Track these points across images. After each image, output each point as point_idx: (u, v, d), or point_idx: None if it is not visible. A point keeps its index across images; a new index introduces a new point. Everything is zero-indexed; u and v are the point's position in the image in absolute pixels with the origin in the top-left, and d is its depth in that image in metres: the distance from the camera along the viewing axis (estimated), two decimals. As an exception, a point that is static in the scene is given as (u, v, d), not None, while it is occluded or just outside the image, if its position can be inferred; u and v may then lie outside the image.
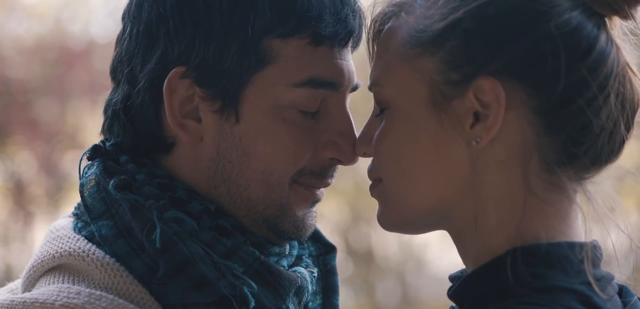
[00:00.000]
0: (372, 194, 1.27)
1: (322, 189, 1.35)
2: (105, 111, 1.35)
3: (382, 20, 1.26)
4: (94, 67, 6.00)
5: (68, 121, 6.13)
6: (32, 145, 6.12)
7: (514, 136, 1.16)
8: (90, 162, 1.35)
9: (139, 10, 1.31)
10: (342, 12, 1.29)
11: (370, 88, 1.28)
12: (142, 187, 1.28)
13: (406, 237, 6.23)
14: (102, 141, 1.35)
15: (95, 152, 1.34)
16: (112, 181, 1.28)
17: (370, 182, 1.30)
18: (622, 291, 1.21)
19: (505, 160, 1.16)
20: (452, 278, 1.24)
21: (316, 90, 1.29)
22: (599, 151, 1.16)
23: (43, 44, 6.04)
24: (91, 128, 6.05)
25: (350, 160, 1.33)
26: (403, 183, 1.21)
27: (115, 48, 1.36)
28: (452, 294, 1.21)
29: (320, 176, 1.33)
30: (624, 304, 1.19)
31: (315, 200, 1.35)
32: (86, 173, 1.34)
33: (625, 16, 1.18)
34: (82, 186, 1.33)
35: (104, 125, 1.35)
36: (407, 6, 1.23)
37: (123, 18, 1.35)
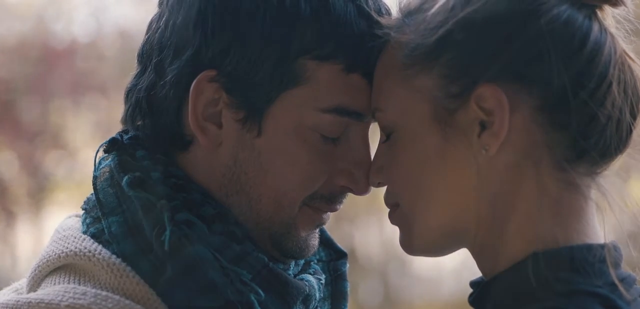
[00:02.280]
0: (392, 221, 1.26)
1: (329, 213, 1.34)
2: (128, 97, 1.33)
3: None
4: (76, 66, 5.97)
5: (50, 121, 6.10)
6: (14, 145, 6.08)
7: (522, 138, 1.16)
8: (105, 154, 1.33)
9: (180, 2, 1.29)
10: (379, 41, 1.26)
11: (373, 116, 1.28)
12: (156, 186, 1.26)
13: (389, 235, 6.24)
14: (120, 133, 1.34)
15: (112, 145, 1.33)
16: (126, 177, 1.27)
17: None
18: None
19: (516, 164, 1.16)
20: (473, 284, 1.24)
21: (342, 118, 1.28)
22: (608, 142, 1.16)
23: (25, 43, 6.00)
24: (74, 128, 6.03)
25: (363, 191, 1.32)
26: (420, 205, 1.21)
27: (147, 31, 1.33)
28: (473, 300, 1.21)
29: (330, 201, 1.32)
30: None
31: (320, 223, 1.34)
32: (101, 165, 1.33)
33: (615, 3, 1.18)
34: (95, 178, 1.32)
35: (126, 113, 1.33)
36: (396, 28, 1.23)
37: (160, 4, 1.33)
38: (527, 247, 1.15)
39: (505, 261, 1.17)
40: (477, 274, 1.25)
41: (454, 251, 1.25)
